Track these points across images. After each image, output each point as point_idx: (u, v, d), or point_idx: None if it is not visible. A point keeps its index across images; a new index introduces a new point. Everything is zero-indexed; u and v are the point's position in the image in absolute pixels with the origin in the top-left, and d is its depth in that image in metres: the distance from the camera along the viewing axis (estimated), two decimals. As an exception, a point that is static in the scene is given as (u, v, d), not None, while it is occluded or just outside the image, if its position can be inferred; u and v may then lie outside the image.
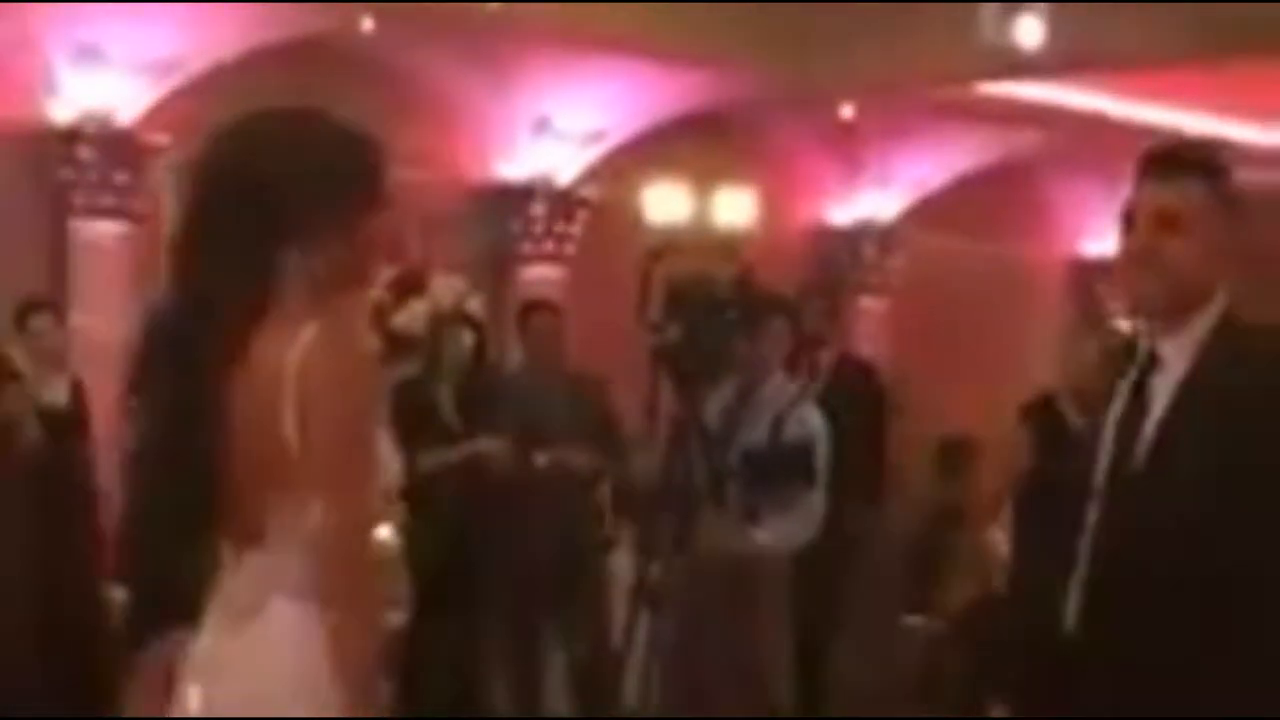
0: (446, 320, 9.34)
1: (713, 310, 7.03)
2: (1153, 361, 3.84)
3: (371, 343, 2.69)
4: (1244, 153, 15.20)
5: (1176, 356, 3.81)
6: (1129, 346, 3.96)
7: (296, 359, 3.01)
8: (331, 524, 3.02)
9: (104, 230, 11.64)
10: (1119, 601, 3.71)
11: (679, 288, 7.06)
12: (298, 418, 3.01)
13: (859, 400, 10.01)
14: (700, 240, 12.71)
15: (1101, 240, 16.17)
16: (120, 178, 11.61)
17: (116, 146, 11.55)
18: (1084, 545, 3.81)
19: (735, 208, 13.62)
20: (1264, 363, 3.79)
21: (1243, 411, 3.69)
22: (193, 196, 3.17)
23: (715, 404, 7.29)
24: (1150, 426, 3.78)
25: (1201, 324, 3.80)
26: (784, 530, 7.26)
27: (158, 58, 11.51)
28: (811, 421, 7.44)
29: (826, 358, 10.15)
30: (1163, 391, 3.80)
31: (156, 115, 11.77)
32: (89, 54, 11.24)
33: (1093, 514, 3.81)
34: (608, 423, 9.29)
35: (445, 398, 8.94)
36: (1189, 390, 3.76)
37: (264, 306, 3.07)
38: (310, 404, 3.01)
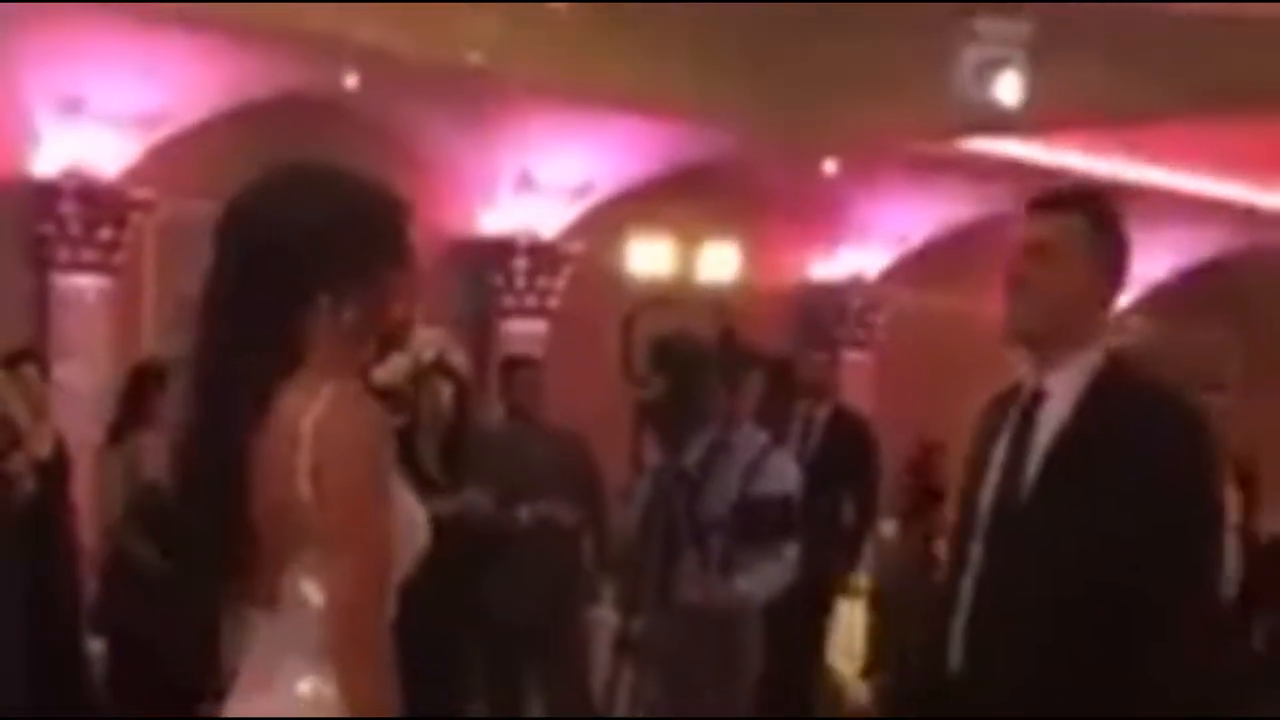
0: (427, 373, 9.34)
1: (698, 365, 7.07)
2: (1037, 398, 3.88)
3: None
4: (1228, 209, 15.30)
5: (1060, 393, 3.84)
6: (1015, 385, 3.98)
7: (314, 417, 2.99)
8: (342, 588, 2.99)
9: (85, 284, 11.65)
10: (1001, 639, 3.73)
11: (664, 343, 7.09)
12: (312, 477, 2.98)
13: (852, 453, 10.13)
14: (685, 295, 12.74)
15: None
16: (102, 232, 11.62)
17: (99, 201, 11.56)
18: (966, 584, 3.83)
19: (720, 262, 13.67)
20: (1146, 404, 3.83)
21: (1123, 453, 3.73)
22: (219, 251, 3.15)
23: (690, 456, 7.32)
24: (1034, 464, 3.81)
25: (1086, 360, 3.85)
26: (761, 581, 7.27)
27: (141, 112, 11.54)
28: (788, 473, 7.46)
29: (823, 412, 10.25)
30: (1046, 428, 3.83)
31: (139, 170, 11.79)
32: (72, 107, 11.26)
33: (976, 552, 3.83)
34: (589, 477, 9.31)
35: (427, 451, 8.94)
36: (1073, 429, 3.79)
37: (291, 362, 3.05)
38: (324, 464, 2.98)
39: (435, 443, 9.04)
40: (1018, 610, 3.74)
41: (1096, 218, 3.96)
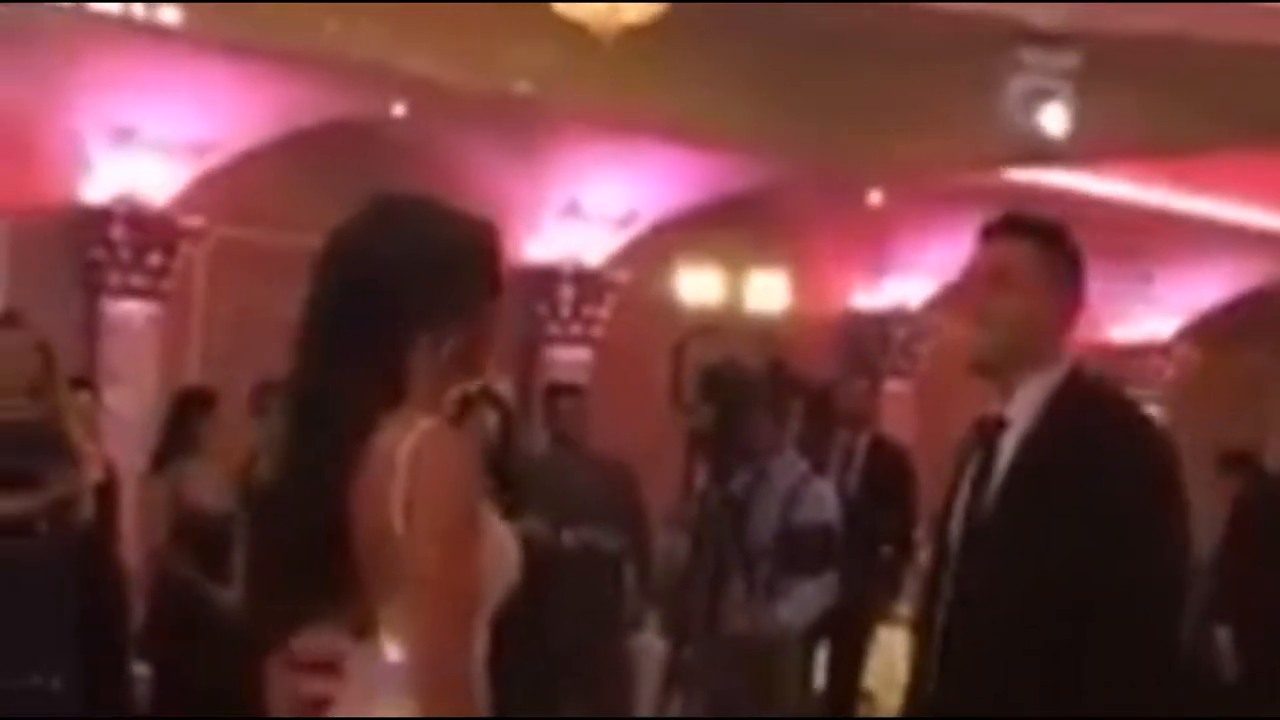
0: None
1: (746, 395, 7.11)
2: (1000, 424, 3.88)
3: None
4: (1275, 239, 15.26)
5: (1020, 416, 3.85)
6: (987, 414, 3.97)
7: (409, 449, 2.98)
8: (426, 629, 2.99)
9: (134, 310, 11.74)
10: (969, 660, 3.74)
11: (713, 371, 7.14)
12: (405, 509, 2.97)
13: (892, 482, 10.15)
14: (733, 324, 12.77)
15: (1126, 326, 16.20)
16: (152, 258, 11.71)
17: (149, 227, 11.66)
18: (939, 610, 3.85)
19: (768, 291, 13.69)
20: (1099, 419, 3.81)
21: (1074, 468, 3.72)
22: (318, 283, 3.16)
23: (736, 484, 7.35)
24: (994, 488, 3.82)
25: (1044, 383, 3.84)
26: (799, 609, 7.29)
27: (192, 140, 11.64)
28: (827, 501, 7.48)
29: (863, 441, 10.26)
30: (1006, 453, 3.83)
31: (189, 197, 11.89)
32: (124, 135, 11.37)
33: (946, 578, 3.85)
34: (632, 504, 9.33)
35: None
36: (1028, 450, 3.80)
37: (393, 396, 3.05)
38: (417, 497, 2.97)
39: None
40: (982, 631, 3.75)
41: (1047, 240, 3.98)
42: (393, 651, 3.06)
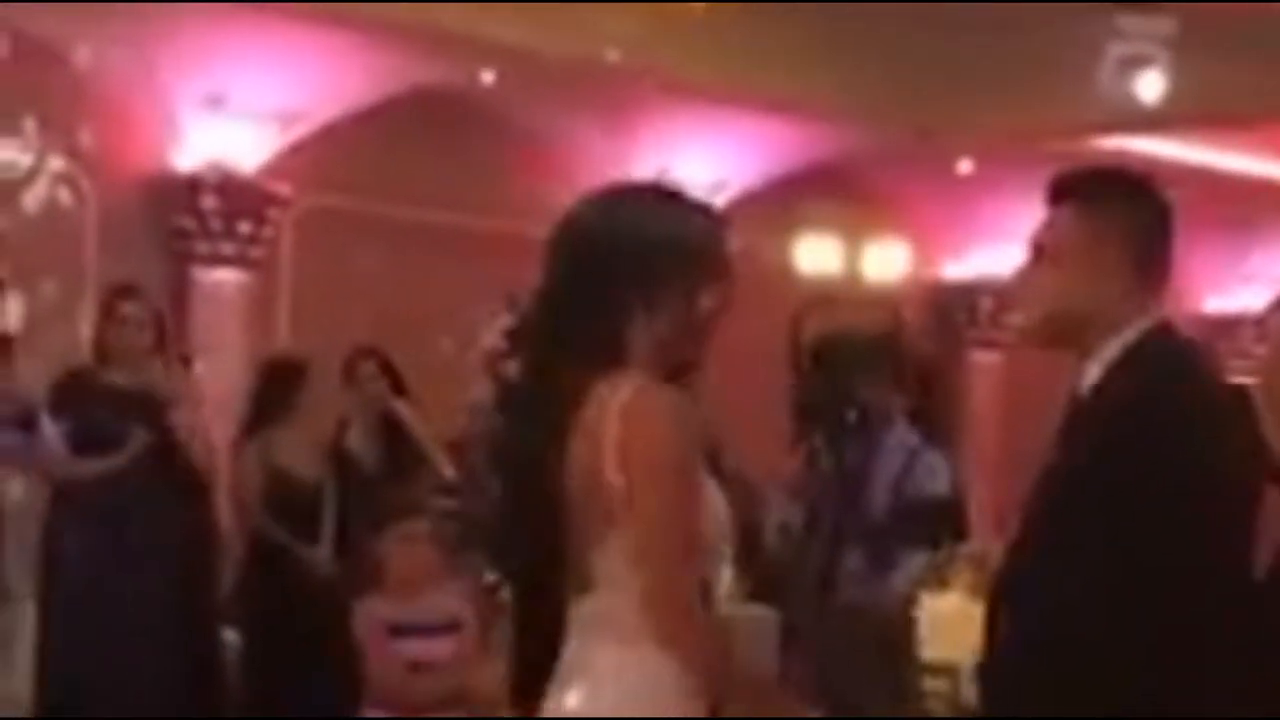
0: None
1: (863, 364, 7.09)
2: (1074, 399, 3.65)
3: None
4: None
5: (1089, 377, 3.60)
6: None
7: (620, 402, 3.12)
8: (653, 567, 3.09)
9: (224, 278, 11.79)
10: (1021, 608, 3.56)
11: (829, 340, 7.12)
12: (619, 460, 3.11)
13: None
14: (848, 293, 12.72)
15: (1224, 297, 16.01)
16: (242, 226, 11.76)
17: (238, 196, 11.70)
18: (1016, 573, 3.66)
19: (886, 262, 13.63)
20: (1160, 365, 3.54)
21: (1124, 404, 3.47)
22: (551, 258, 3.32)
23: (852, 456, 7.32)
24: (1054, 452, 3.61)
25: (1116, 345, 3.56)
26: (908, 578, 7.28)
27: (281, 108, 11.67)
28: (941, 471, 7.44)
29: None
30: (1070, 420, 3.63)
31: (278, 165, 11.93)
32: (214, 103, 11.40)
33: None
34: (722, 475, 9.28)
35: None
36: (1075, 410, 3.59)
37: (608, 364, 3.19)
38: (631, 445, 3.11)
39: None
40: (1040, 579, 3.55)
41: (1090, 199, 3.65)
42: (605, 600, 3.18)
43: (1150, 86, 11.09)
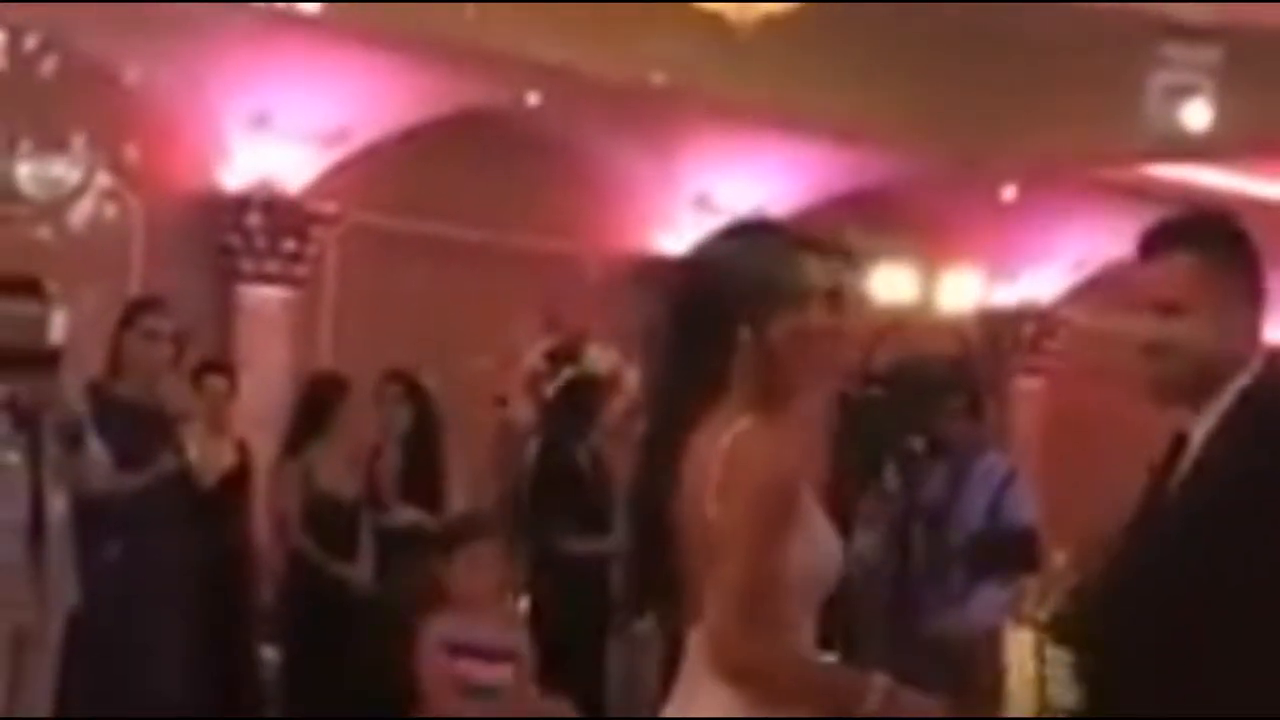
0: (601, 387, 9.41)
1: (934, 391, 7.06)
2: (1179, 444, 3.57)
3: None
4: None
5: (1200, 429, 3.50)
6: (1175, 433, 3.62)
7: (725, 442, 3.22)
8: (723, 600, 3.18)
9: (269, 296, 11.84)
10: (1116, 658, 3.50)
11: (900, 367, 7.09)
12: (719, 497, 3.20)
13: None
14: (922, 319, 12.69)
15: (1271, 326, 15.95)
16: (287, 245, 11.80)
17: (284, 214, 11.75)
18: (1095, 608, 3.63)
19: (960, 289, 13.62)
20: (1271, 420, 3.44)
21: (1238, 480, 3.37)
22: (672, 291, 3.45)
23: (931, 486, 7.27)
24: (1169, 488, 3.52)
25: (1231, 388, 3.47)
26: (997, 610, 7.22)
27: (327, 127, 11.71)
28: (1029, 502, 7.39)
29: None
30: (1179, 471, 3.52)
31: (323, 184, 11.97)
32: (261, 122, 11.46)
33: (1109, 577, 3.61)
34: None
35: (585, 462, 9.04)
36: (1205, 446, 3.47)
37: (714, 394, 3.29)
38: (729, 484, 3.20)
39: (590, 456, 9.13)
40: (1133, 629, 3.48)
41: (1215, 245, 3.56)
42: (706, 631, 3.26)
43: (1197, 115, 11.07)
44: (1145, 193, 13.73)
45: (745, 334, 3.29)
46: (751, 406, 3.29)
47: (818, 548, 3.29)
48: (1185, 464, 3.54)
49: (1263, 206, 13.81)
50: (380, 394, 9.14)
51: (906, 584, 6.90)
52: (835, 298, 3.39)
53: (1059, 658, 3.73)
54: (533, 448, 9.43)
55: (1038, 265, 15.22)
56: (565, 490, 8.93)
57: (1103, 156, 12.76)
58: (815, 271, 3.39)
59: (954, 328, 12.24)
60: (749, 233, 3.49)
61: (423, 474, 9.05)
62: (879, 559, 7.04)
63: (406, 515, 8.81)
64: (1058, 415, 14.91)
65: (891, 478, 7.16)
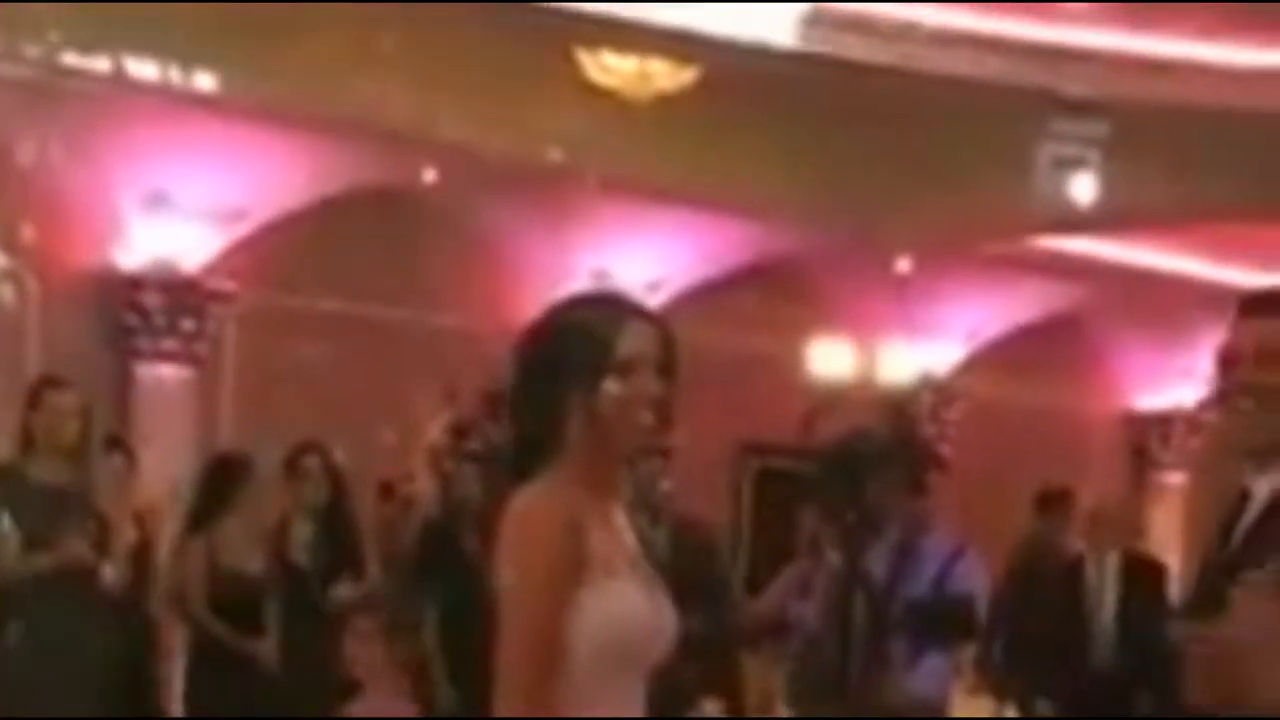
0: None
1: (877, 466, 7.12)
2: (1242, 499, 3.56)
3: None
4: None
5: (1265, 489, 3.51)
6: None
7: (515, 506, 3.23)
8: (503, 674, 3.15)
9: (168, 374, 11.80)
10: None
11: (842, 443, 7.16)
12: (504, 562, 3.20)
13: None
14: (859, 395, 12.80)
15: (1154, 394, 16.20)
16: (185, 323, 11.78)
17: (182, 292, 11.74)
18: None
19: (898, 363, 13.75)
20: None
21: None
22: (513, 356, 3.44)
23: (874, 559, 7.33)
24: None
25: None
26: (936, 680, 7.28)
27: (225, 206, 11.72)
28: (975, 575, 7.47)
29: None
30: (1241, 530, 3.52)
31: (221, 262, 11.97)
32: (158, 201, 11.45)
33: None
34: (712, 568, 9.21)
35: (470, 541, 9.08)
36: (1259, 520, 3.47)
37: (546, 457, 3.29)
38: (504, 554, 3.21)
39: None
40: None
41: None
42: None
43: (1083, 187, 11.27)
44: (1033, 264, 13.97)
45: (575, 400, 3.29)
46: (579, 472, 3.28)
47: (616, 609, 3.21)
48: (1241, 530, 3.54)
49: (1149, 276, 14.08)
50: (294, 466, 9.12)
51: (848, 653, 6.95)
52: (666, 369, 3.38)
53: None
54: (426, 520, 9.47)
55: (932, 337, 15.40)
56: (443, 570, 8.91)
57: (995, 228, 12.95)
58: (644, 341, 3.38)
59: (894, 402, 12.39)
60: (586, 302, 3.49)
61: (342, 546, 9.03)
62: (819, 627, 7.09)
63: (341, 591, 8.79)
64: (958, 482, 15.04)
65: (832, 550, 7.23)
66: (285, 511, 9.08)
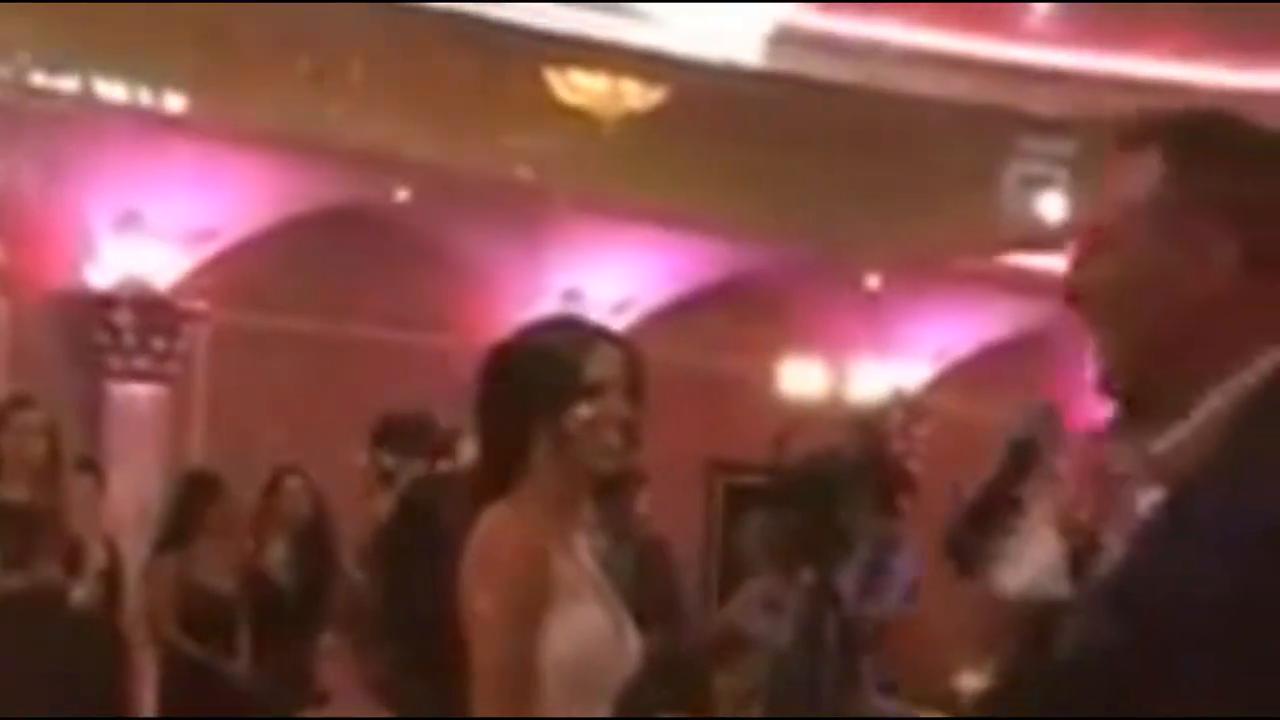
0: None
1: (839, 484, 7.14)
2: None
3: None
4: None
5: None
6: None
7: (480, 528, 3.25)
8: (475, 699, 3.17)
9: (139, 393, 11.80)
10: None
11: (811, 462, 7.19)
12: (470, 584, 3.23)
13: None
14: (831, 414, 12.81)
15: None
16: (156, 342, 11.78)
17: (153, 312, 11.74)
18: None
19: (869, 381, 13.78)
20: None
21: None
22: (480, 378, 3.47)
23: (844, 578, 7.35)
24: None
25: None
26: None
27: (196, 225, 11.73)
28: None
29: None
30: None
31: (193, 281, 11.97)
32: (129, 221, 11.46)
33: None
34: (669, 586, 9.22)
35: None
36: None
37: (512, 479, 3.31)
38: (476, 571, 3.24)
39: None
40: None
41: (1170, 148, 3.25)
42: None
43: (1052, 205, 11.33)
44: (1003, 282, 14.02)
45: (541, 423, 3.31)
46: (545, 495, 3.30)
47: (582, 635, 3.23)
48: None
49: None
50: (276, 486, 9.13)
51: (817, 670, 6.98)
52: (634, 391, 3.40)
53: None
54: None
55: (902, 354, 15.43)
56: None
57: (964, 246, 13.00)
58: (611, 364, 3.39)
59: (864, 420, 12.40)
60: (552, 326, 3.57)
61: (322, 565, 9.04)
62: (789, 645, 7.12)
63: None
64: (927, 501, 15.07)
65: (805, 570, 7.26)
66: (261, 530, 9.11)
